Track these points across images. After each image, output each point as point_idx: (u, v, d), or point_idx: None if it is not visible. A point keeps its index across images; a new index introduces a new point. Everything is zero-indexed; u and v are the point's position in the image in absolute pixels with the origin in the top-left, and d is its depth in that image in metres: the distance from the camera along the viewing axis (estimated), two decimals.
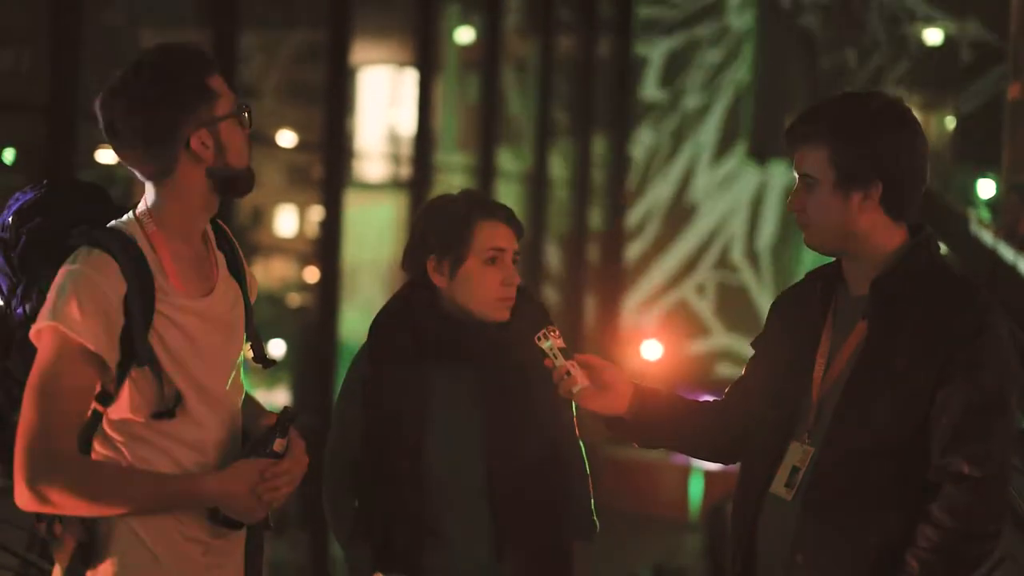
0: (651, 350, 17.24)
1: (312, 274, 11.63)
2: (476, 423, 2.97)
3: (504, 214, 3.01)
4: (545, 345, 2.76)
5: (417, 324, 2.98)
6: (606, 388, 2.79)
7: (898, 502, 2.55)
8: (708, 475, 17.02)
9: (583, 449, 3.11)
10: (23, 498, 2.38)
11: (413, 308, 3.00)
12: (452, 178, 12.37)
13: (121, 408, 2.47)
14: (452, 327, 2.97)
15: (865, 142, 2.59)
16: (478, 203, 3.02)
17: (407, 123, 12.48)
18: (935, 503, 2.51)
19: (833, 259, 2.73)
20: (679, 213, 17.44)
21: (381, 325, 3.03)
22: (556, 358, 2.76)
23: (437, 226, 2.98)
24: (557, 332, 2.78)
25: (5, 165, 7.79)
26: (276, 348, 10.56)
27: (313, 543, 10.72)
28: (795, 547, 2.59)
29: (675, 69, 17.24)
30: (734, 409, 2.86)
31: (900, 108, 2.65)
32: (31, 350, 2.44)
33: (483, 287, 2.94)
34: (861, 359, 2.60)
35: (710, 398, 2.92)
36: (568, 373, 2.76)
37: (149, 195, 2.54)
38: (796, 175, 2.68)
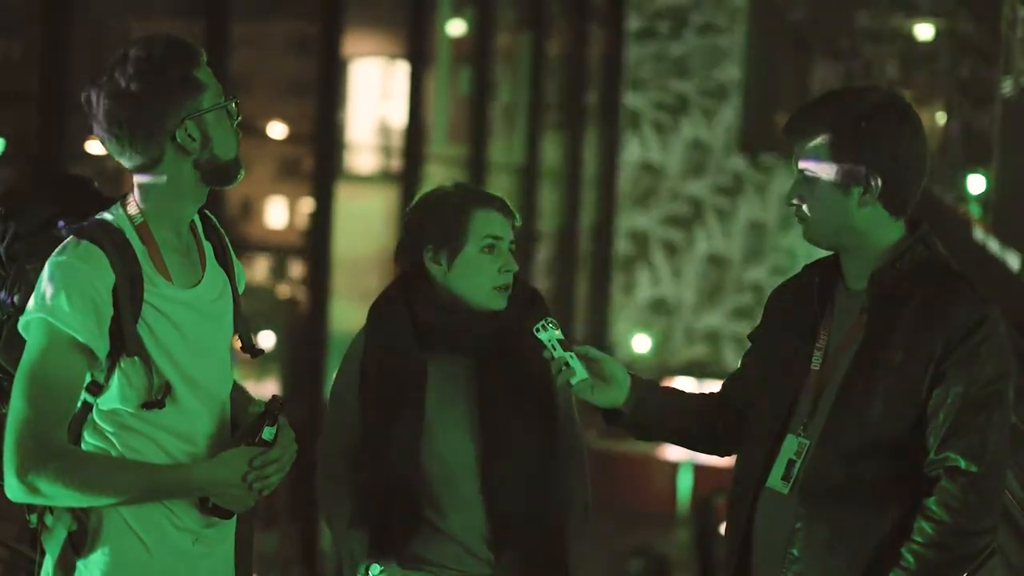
0: (641, 342, 17.26)
1: (302, 266, 11.63)
2: (472, 413, 2.97)
3: (499, 203, 3.02)
4: (544, 336, 2.76)
5: (415, 313, 2.99)
6: (604, 380, 2.80)
7: (894, 496, 2.55)
8: (697, 469, 17.04)
9: (583, 440, 3.12)
10: (14, 489, 2.38)
11: (410, 297, 3.01)
12: (443, 170, 12.37)
13: (111, 398, 2.47)
14: (448, 317, 2.98)
15: (865, 137, 2.59)
16: (473, 193, 3.04)
17: (398, 115, 12.47)
18: (931, 497, 2.51)
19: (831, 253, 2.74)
20: None
21: (379, 313, 3.04)
22: (555, 349, 2.76)
23: (434, 216, 2.99)
24: (556, 323, 2.78)
25: None
26: (266, 340, 10.56)
27: (302, 535, 10.72)
28: (791, 540, 2.60)
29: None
30: (731, 402, 2.87)
31: (900, 103, 2.64)
32: (20, 342, 2.44)
33: (481, 275, 2.96)
34: (858, 353, 2.61)
35: (707, 391, 2.93)
36: (566, 364, 2.76)
37: (137, 186, 2.54)
38: (795, 169, 2.68)
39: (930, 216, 2.73)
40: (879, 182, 2.60)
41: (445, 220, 2.97)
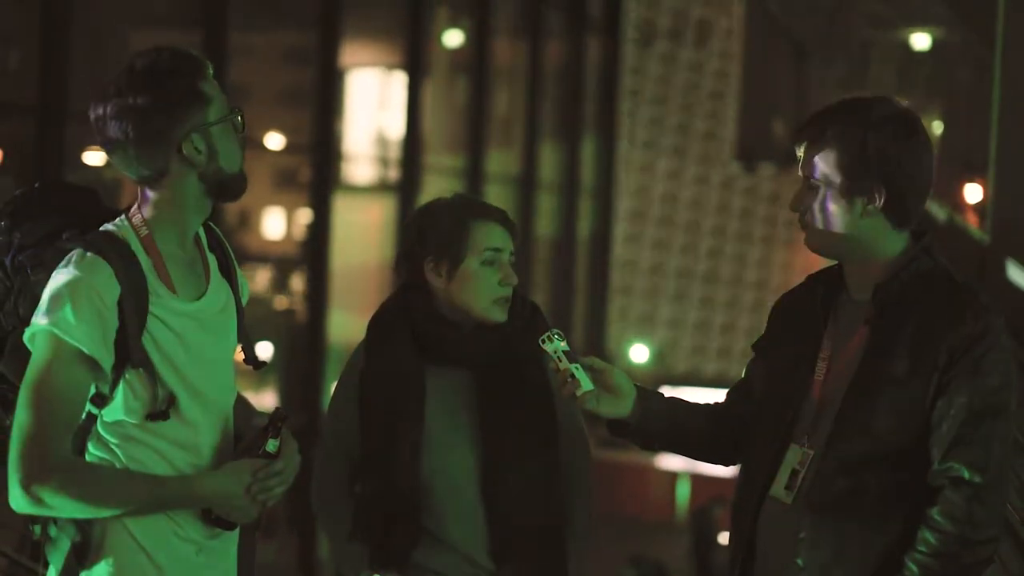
0: (638, 352, 17.28)
1: (300, 277, 11.63)
2: (472, 424, 2.97)
3: (499, 215, 3.03)
4: (549, 347, 2.75)
5: (414, 326, 2.99)
6: (610, 391, 2.79)
7: (898, 506, 2.55)
8: (695, 479, 17.05)
9: (589, 452, 3.12)
10: (18, 501, 2.38)
11: (410, 310, 3.01)
12: (441, 181, 12.38)
13: (115, 410, 2.47)
14: (448, 329, 2.98)
15: (873, 149, 2.59)
16: (473, 205, 3.04)
17: (395, 126, 12.48)
18: (935, 507, 2.51)
19: (835, 262, 2.74)
20: None
21: (378, 326, 3.04)
22: (560, 360, 2.76)
23: (434, 228, 2.99)
24: (561, 334, 2.78)
25: None
26: (264, 351, 10.56)
27: (300, 545, 10.71)
28: (795, 550, 2.59)
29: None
30: (735, 411, 2.87)
31: (909, 117, 2.65)
32: (25, 353, 2.43)
33: (481, 287, 2.96)
34: (862, 363, 2.61)
35: (711, 400, 2.93)
36: (572, 376, 2.76)
37: (142, 198, 2.53)
38: (801, 175, 2.69)
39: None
40: (884, 193, 2.61)
41: (445, 232, 2.97)
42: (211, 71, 2.51)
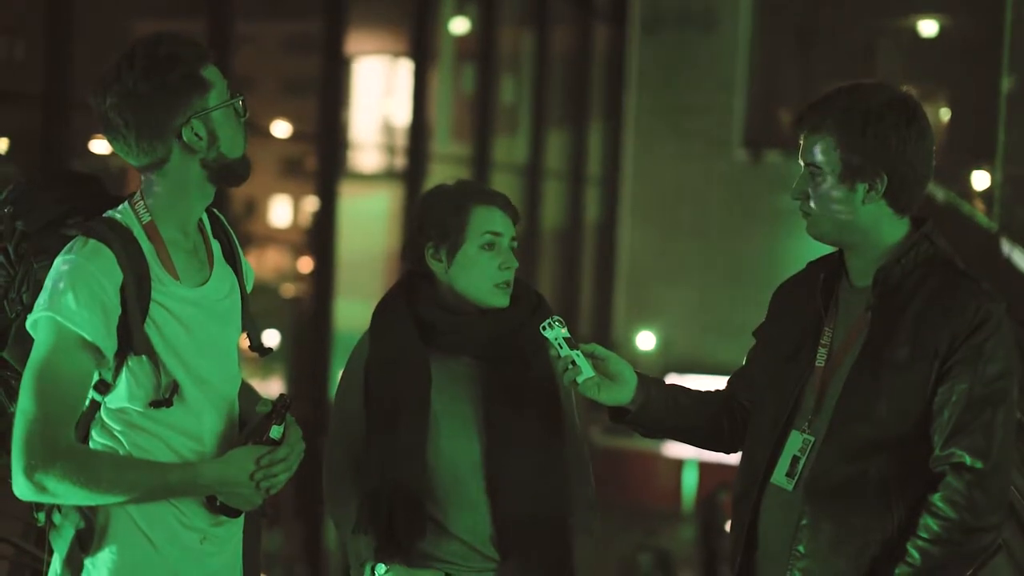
0: (644, 340, 17.28)
1: (307, 264, 11.64)
2: (476, 413, 2.97)
3: (500, 200, 3.01)
4: (550, 334, 2.75)
5: (417, 313, 2.99)
6: (611, 378, 2.79)
7: (900, 493, 2.55)
8: (702, 466, 17.06)
9: (585, 440, 3.12)
10: (22, 488, 2.37)
11: (413, 298, 3.01)
12: (447, 169, 12.39)
13: (119, 397, 2.48)
14: (451, 316, 2.97)
15: (873, 135, 2.59)
16: (474, 190, 3.03)
17: (402, 114, 12.48)
18: (936, 494, 2.51)
19: (836, 249, 2.74)
20: None
21: (383, 314, 3.04)
22: (561, 347, 2.76)
23: (434, 213, 2.98)
24: (563, 321, 2.77)
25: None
26: (271, 338, 10.58)
27: (306, 533, 10.74)
28: (796, 537, 2.60)
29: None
30: (736, 398, 2.88)
31: (910, 102, 2.64)
32: (28, 340, 2.44)
33: (480, 272, 2.95)
34: (863, 350, 2.61)
35: (713, 388, 2.93)
36: (573, 363, 2.76)
37: (144, 185, 2.53)
38: (802, 163, 2.68)
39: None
40: (885, 180, 2.60)
41: (444, 217, 2.97)
42: (212, 57, 2.50)
